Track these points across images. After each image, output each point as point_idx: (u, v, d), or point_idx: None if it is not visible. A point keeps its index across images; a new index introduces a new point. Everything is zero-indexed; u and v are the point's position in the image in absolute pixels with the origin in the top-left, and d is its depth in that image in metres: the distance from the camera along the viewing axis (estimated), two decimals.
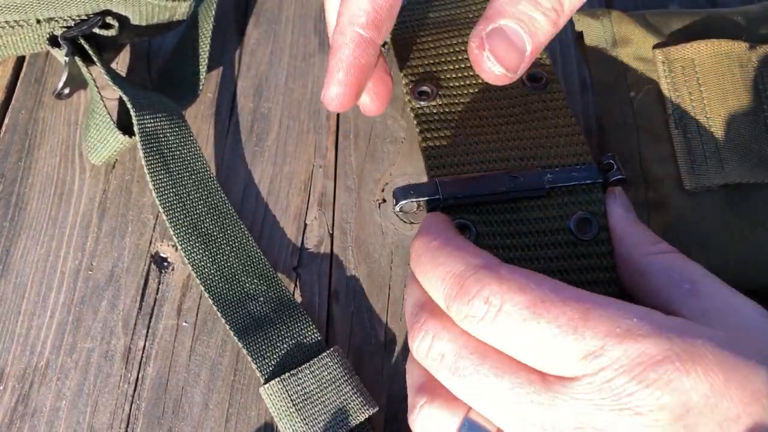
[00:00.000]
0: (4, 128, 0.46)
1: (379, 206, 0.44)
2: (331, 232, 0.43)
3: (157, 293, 0.40)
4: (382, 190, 0.44)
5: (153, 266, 0.41)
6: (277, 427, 0.37)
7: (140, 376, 0.38)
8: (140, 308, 0.40)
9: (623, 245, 0.31)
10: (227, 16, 0.51)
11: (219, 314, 0.38)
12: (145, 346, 0.39)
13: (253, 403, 0.38)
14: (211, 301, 0.38)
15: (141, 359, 0.39)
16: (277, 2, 0.52)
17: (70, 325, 0.39)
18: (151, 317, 0.40)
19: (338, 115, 0.47)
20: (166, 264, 0.41)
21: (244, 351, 0.37)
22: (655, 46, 0.42)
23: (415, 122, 0.41)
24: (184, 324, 0.40)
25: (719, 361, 0.22)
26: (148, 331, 0.39)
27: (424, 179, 0.35)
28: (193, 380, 0.38)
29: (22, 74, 0.48)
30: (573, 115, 0.38)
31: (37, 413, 0.37)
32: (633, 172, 0.41)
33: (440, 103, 0.40)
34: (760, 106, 0.39)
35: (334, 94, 0.32)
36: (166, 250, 0.42)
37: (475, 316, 0.24)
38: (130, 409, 0.37)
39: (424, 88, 0.39)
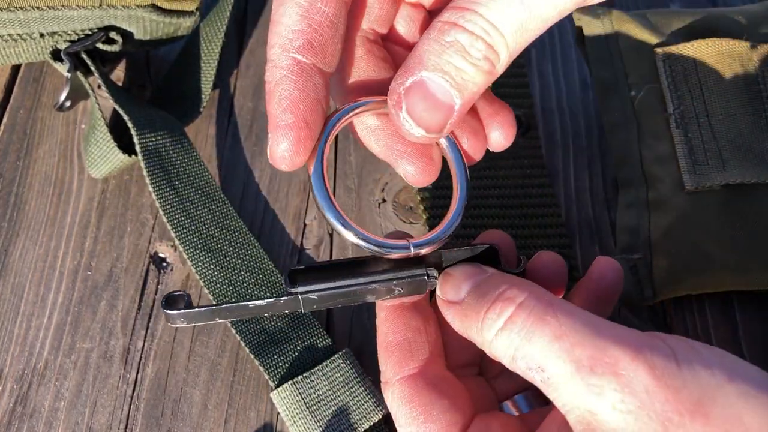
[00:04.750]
0: (2, 128, 0.46)
1: (379, 206, 0.43)
2: (330, 232, 0.43)
3: (156, 293, 0.40)
4: (382, 190, 0.44)
5: (152, 266, 0.41)
6: (277, 428, 0.37)
7: (139, 376, 0.38)
8: (139, 308, 0.40)
9: None
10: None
11: (234, 332, 0.38)
12: (144, 346, 0.39)
13: (253, 404, 0.37)
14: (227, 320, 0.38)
15: (140, 360, 0.38)
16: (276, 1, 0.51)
17: (69, 325, 0.39)
18: (150, 318, 0.40)
19: None
20: (165, 264, 0.41)
21: (258, 363, 0.37)
22: (656, 46, 0.41)
23: None
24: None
25: None
26: (147, 332, 0.39)
27: None
28: (192, 381, 0.38)
29: (20, 74, 0.48)
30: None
31: (35, 414, 0.37)
32: (633, 172, 0.41)
33: None
34: (761, 105, 0.39)
35: (284, 147, 0.25)
36: (165, 251, 0.42)
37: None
38: (129, 410, 0.37)
39: None
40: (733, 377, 0.22)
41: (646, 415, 0.21)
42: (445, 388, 0.28)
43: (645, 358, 0.22)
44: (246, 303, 0.27)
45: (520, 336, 0.24)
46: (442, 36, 0.23)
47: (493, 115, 0.28)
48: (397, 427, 0.28)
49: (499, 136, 0.28)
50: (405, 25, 0.29)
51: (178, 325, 0.27)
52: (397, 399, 0.27)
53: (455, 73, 0.24)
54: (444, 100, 0.24)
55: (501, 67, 0.24)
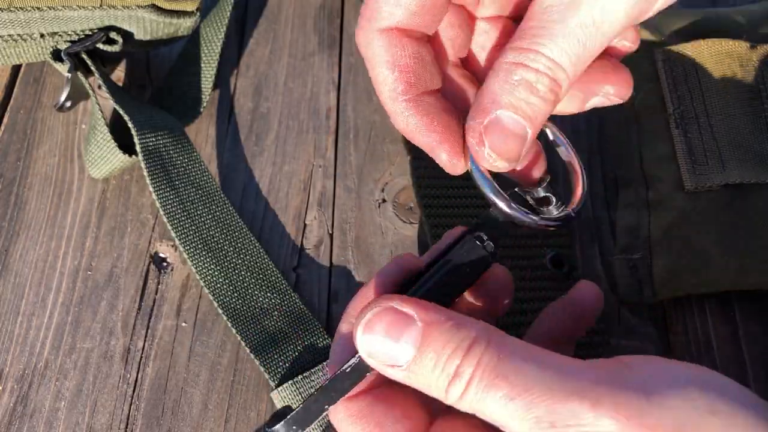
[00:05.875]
0: (2, 128, 0.46)
1: (379, 206, 0.44)
2: (330, 232, 0.43)
3: (156, 293, 0.40)
4: (382, 190, 0.44)
5: (152, 266, 0.41)
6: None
7: (139, 376, 0.38)
8: (139, 308, 0.40)
9: None
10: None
11: (234, 332, 0.38)
12: (144, 346, 0.39)
13: (253, 404, 0.37)
14: (225, 318, 0.38)
15: (140, 360, 0.38)
16: (276, 1, 0.52)
17: (69, 325, 0.39)
18: (150, 317, 0.40)
19: (338, 114, 0.47)
20: (165, 264, 0.41)
21: (258, 363, 0.37)
22: (656, 46, 0.41)
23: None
24: (183, 324, 0.40)
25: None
26: (147, 332, 0.39)
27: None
28: (192, 381, 0.38)
29: (20, 74, 0.48)
30: None
31: (36, 414, 0.37)
32: (633, 172, 0.41)
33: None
34: (761, 105, 0.39)
35: (445, 158, 0.28)
36: (165, 251, 0.42)
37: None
38: (129, 410, 0.37)
39: None
40: (717, 408, 0.21)
41: None
42: (394, 398, 0.27)
43: (607, 404, 0.21)
44: (344, 370, 0.26)
45: (476, 402, 0.23)
46: (510, 76, 0.26)
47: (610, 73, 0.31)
48: None
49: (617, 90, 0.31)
50: (481, 41, 0.32)
51: None
52: (345, 419, 0.26)
53: (526, 107, 0.26)
54: (518, 132, 0.27)
55: (563, 95, 0.27)
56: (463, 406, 0.24)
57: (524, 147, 0.27)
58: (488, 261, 0.27)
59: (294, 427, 0.26)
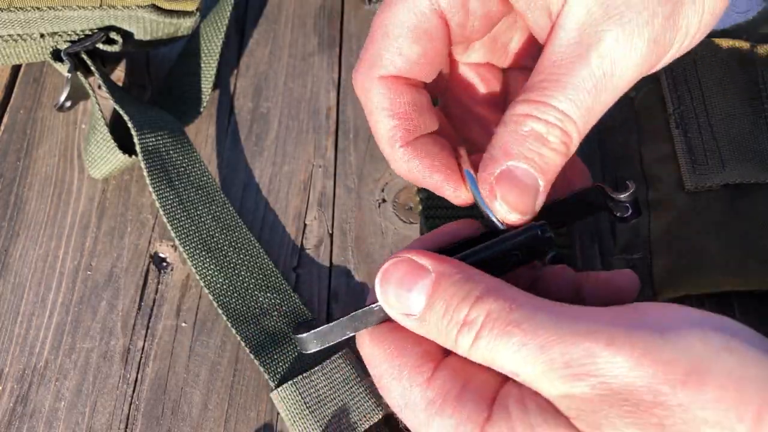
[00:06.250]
0: (2, 128, 0.46)
1: (379, 206, 0.44)
2: (330, 232, 0.43)
3: (156, 293, 0.40)
4: (382, 190, 0.44)
5: (152, 266, 0.41)
6: (277, 428, 0.37)
7: (139, 376, 0.38)
8: (139, 308, 0.40)
9: None
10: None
11: (234, 332, 0.38)
12: (144, 346, 0.39)
13: (253, 404, 0.37)
14: (225, 318, 0.38)
15: (140, 360, 0.38)
16: (276, 1, 0.52)
17: (69, 325, 0.39)
18: (150, 317, 0.40)
19: (338, 115, 0.47)
20: (165, 264, 0.41)
21: (258, 363, 0.37)
22: None
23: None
24: (183, 324, 0.40)
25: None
26: (147, 332, 0.39)
27: None
28: (192, 381, 0.38)
29: (20, 74, 0.48)
30: None
31: (35, 414, 0.37)
32: (633, 172, 0.41)
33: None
34: (761, 105, 0.39)
35: (452, 194, 0.29)
36: (165, 251, 0.42)
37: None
38: (129, 410, 0.37)
39: None
40: (731, 346, 0.21)
41: (632, 390, 0.21)
42: None
43: (621, 342, 0.21)
44: (371, 307, 0.26)
45: (488, 351, 0.24)
46: (519, 127, 0.26)
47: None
48: (370, 369, 0.27)
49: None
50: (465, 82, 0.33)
51: (312, 350, 0.28)
52: (368, 341, 0.27)
53: (538, 159, 0.26)
54: (530, 183, 0.27)
55: (574, 147, 0.27)
56: (475, 356, 0.24)
57: (536, 200, 0.27)
58: (543, 252, 0.28)
59: (315, 341, 0.28)
